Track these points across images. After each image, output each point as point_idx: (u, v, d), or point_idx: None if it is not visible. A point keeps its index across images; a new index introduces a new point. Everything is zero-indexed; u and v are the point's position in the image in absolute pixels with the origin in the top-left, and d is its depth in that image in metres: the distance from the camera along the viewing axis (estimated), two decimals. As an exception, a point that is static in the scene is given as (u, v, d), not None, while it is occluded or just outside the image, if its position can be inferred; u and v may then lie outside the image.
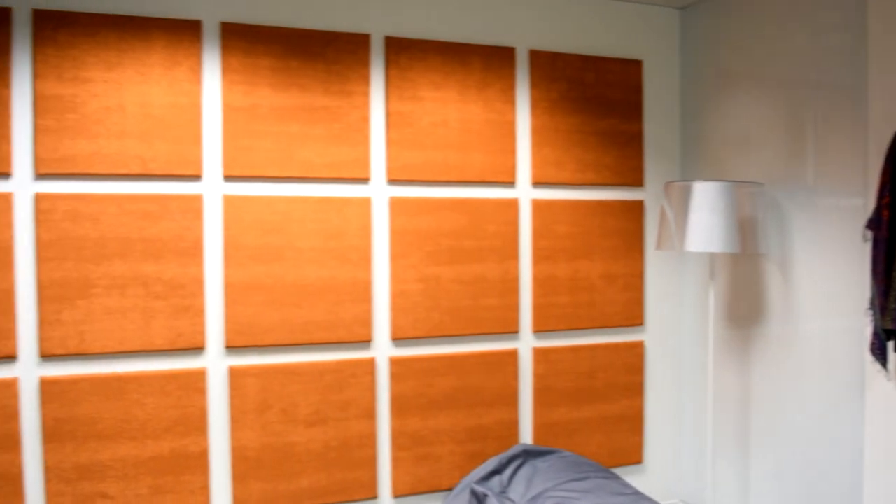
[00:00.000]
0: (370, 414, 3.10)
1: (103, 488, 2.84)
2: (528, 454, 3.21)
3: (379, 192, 3.13)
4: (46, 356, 2.78)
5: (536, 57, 3.37)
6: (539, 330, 3.37)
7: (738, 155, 3.31)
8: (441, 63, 3.20)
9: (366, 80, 3.09)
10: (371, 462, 3.11)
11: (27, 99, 2.75)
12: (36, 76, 2.74)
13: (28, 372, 2.78)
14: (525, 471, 3.15)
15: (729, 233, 2.89)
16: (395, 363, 3.15)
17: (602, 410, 3.49)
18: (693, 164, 3.61)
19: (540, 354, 3.38)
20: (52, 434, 2.79)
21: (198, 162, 2.90)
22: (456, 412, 3.24)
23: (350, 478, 3.09)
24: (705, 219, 2.89)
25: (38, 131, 2.74)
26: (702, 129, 3.54)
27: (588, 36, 3.47)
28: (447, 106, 3.20)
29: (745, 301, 3.28)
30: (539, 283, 3.37)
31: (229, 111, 2.93)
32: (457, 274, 3.22)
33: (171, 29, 2.87)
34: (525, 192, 3.36)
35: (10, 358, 2.76)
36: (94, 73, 2.80)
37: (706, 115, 3.51)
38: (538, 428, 3.39)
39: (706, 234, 2.89)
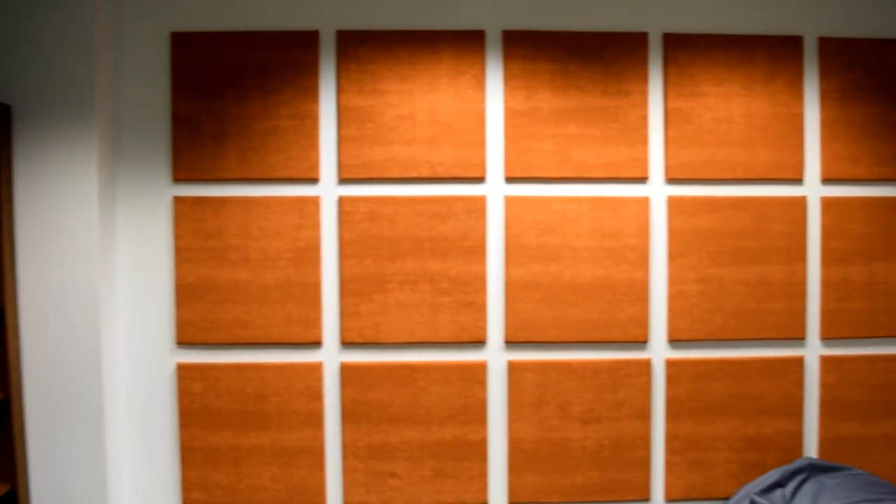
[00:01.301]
0: (644, 415, 3.20)
1: (392, 468, 3.20)
2: (814, 469, 3.15)
3: (657, 192, 3.22)
4: (347, 344, 3.18)
5: (826, 45, 3.27)
6: (828, 337, 3.28)
7: None
8: (723, 57, 3.22)
9: (643, 78, 3.19)
10: (644, 464, 3.22)
11: (332, 111, 3.17)
12: (340, 91, 3.15)
13: (331, 357, 3.20)
14: (810, 486, 3.09)
15: None
16: (672, 365, 3.23)
17: (898, 428, 3.33)
18: None
19: (829, 363, 3.29)
20: (349, 415, 3.19)
21: (481, 165, 3.17)
22: (733, 419, 3.25)
23: (622, 478, 3.21)
24: None
25: (341, 140, 3.15)
26: None
27: (886, 17, 3.31)
28: (730, 101, 3.21)
29: None
30: (829, 287, 3.27)
31: (511, 115, 3.17)
32: (739, 275, 3.23)
33: (456, 40, 3.16)
34: (814, 190, 3.28)
35: (316, 344, 3.20)
36: (390, 86, 3.16)
37: None
38: (824, 442, 3.30)
39: None
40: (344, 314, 3.15)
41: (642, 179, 3.19)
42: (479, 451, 3.19)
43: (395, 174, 3.13)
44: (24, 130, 2.97)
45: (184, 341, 3.19)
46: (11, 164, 3.00)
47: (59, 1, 2.94)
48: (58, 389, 3.02)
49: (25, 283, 2.99)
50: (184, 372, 3.20)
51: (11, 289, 3.00)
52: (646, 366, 3.20)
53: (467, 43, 3.14)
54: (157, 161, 3.18)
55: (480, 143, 3.14)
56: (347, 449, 3.18)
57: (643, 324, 3.18)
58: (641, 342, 3.19)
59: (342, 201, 3.13)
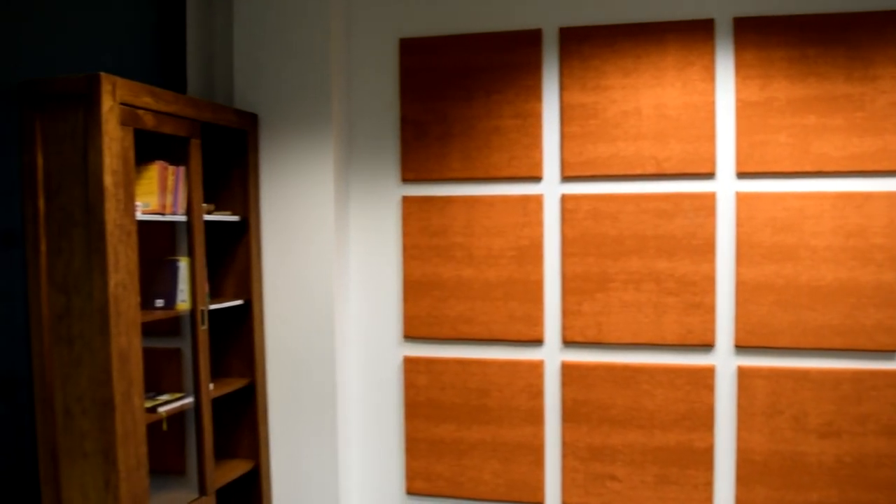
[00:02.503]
0: (892, 431, 3.05)
1: (612, 471, 3.28)
2: None
3: (911, 186, 3.05)
4: (568, 342, 3.30)
5: None
6: None
7: None
8: None
9: (894, 61, 3.04)
10: (891, 485, 3.06)
11: (555, 109, 3.29)
12: (563, 88, 3.27)
13: (552, 356, 3.33)
14: None
15: None
16: (928, 377, 3.05)
17: None
18: None
19: None
20: (570, 414, 3.30)
21: (710, 160, 3.16)
22: None
23: (865, 499, 3.08)
24: None
25: (564, 138, 3.27)
26: None
27: None
28: None
29: None
30: None
31: (743, 107, 3.13)
32: None
33: (683, 30, 3.18)
34: None
35: (538, 342, 3.34)
36: (613, 81, 3.23)
37: None
38: None
39: None
40: (566, 313, 3.27)
41: (892, 172, 3.04)
42: (704, 459, 3.19)
43: (619, 171, 3.20)
44: (269, 136, 3.36)
45: (410, 335, 3.46)
46: (258, 168, 3.40)
47: (299, 20, 3.29)
48: (296, 376, 3.38)
49: (269, 278, 3.38)
50: (410, 365, 3.46)
51: (258, 283, 3.40)
52: (894, 377, 3.06)
53: (694, 33, 3.15)
54: (386, 162, 3.47)
55: (710, 137, 3.14)
56: (567, 448, 3.30)
57: (892, 331, 3.04)
58: (890, 351, 3.05)
59: (565, 199, 3.25)
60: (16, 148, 2.53)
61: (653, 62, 3.15)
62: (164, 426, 2.83)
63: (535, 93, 3.24)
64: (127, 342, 2.52)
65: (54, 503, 2.57)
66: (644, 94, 3.15)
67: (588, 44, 3.19)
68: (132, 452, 2.54)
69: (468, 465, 3.37)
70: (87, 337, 2.49)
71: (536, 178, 3.26)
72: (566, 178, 3.23)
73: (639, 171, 3.16)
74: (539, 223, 3.25)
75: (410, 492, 3.46)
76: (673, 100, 3.13)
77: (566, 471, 3.26)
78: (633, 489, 3.20)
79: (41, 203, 2.52)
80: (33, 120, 2.51)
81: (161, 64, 3.27)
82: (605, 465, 3.22)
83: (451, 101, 3.32)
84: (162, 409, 2.77)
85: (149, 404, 2.77)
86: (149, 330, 2.84)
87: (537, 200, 3.24)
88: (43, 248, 2.53)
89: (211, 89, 3.55)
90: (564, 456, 3.26)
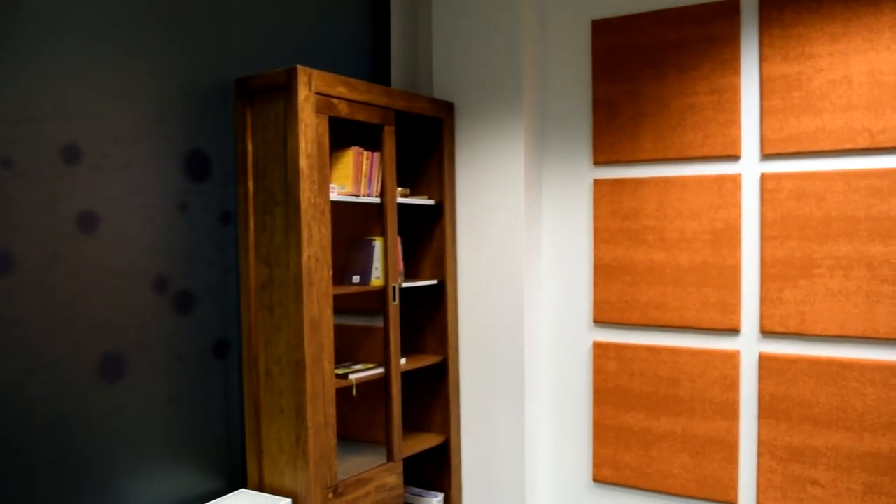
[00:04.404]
0: None
1: (814, 474, 3.17)
2: None
3: None
4: (766, 333, 3.25)
5: None
6: None
7: None
8: None
9: None
10: None
11: (754, 83, 3.26)
12: (763, 60, 3.23)
13: (749, 346, 3.30)
14: None
15: None
16: None
17: None
18: None
19: None
20: (767, 410, 3.24)
21: (935, 131, 2.95)
22: None
23: None
24: None
25: (764, 113, 3.23)
26: None
27: None
28: None
29: None
30: None
31: (977, 69, 2.89)
32: None
33: (906, -13, 3.00)
34: None
35: (733, 331, 3.32)
36: (819, 48, 3.13)
37: None
38: None
39: None
40: (764, 300, 3.24)
41: None
42: (927, 469, 2.99)
43: (826, 146, 3.11)
44: (464, 124, 3.69)
45: (600, 320, 3.61)
46: (454, 154, 3.75)
47: (492, 10, 3.59)
48: (486, 356, 3.68)
49: (463, 260, 3.71)
50: (599, 350, 3.61)
51: (452, 264, 3.74)
52: None
53: (920, -10, 2.97)
54: (579, 146, 3.66)
55: (935, 106, 2.94)
56: (763, 447, 3.25)
57: None
58: None
59: (765, 178, 3.22)
60: (232, 138, 3.09)
61: (865, 24, 3.03)
62: (354, 392, 3.25)
63: (733, 66, 3.25)
64: (318, 311, 2.97)
65: (256, 452, 3.08)
66: (855, 60, 3.05)
67: (790, 10, 3.15)
68: (320, 411, 2.98)
69: (656, 456, 3.45)
70: (285, 304, 2.97)
71: (733, 157, 3.27)
72: (766, 156, 3.21)
73: (849, 146, 3.05)
74: (736, 204, 3.25)
75: (597, 479, 3.61)
76: (889, 65, 2.99)
77: (762, 471, 3.23)
78: (836, 497, 3.09)
79: (251, 185, 3.05)
80: (245, 112, 3.05)
81: (369, 60, 3.76)
82: (805, 467, 3.14)
83: (643, 81, 3.43)
84: (353, 377, 3.20)
85: (341, 371, 3.22)
86: (349, 307, 3.30)
87: (734, 180, 3.25)
88: (251, 225, 3.05)
89: (414, 81, 3.98)
90: (760, 455, 3.23)
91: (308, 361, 2.86)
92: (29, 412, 2.38)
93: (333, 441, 2.99)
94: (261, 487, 3.04)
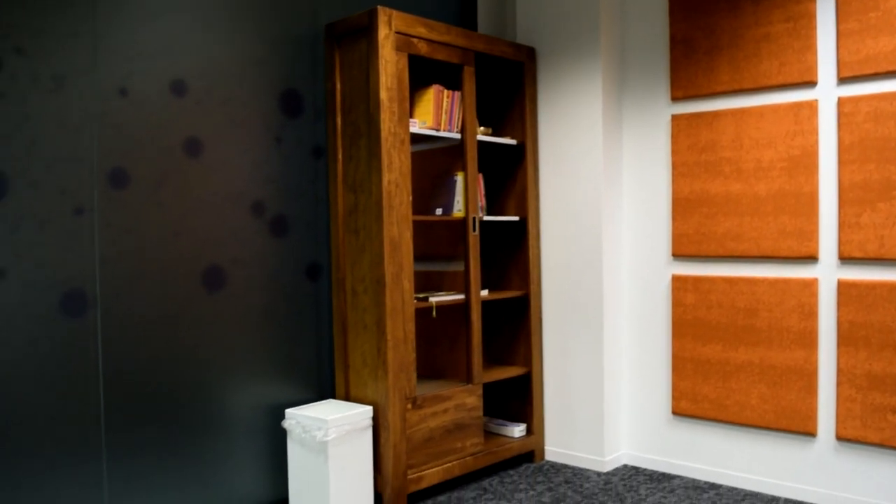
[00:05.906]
0: None
1: (895, 403, 3.13)
2: None
3: None
4: (845, 259, 3.24)
5: None
6: None
7: None
8: None
9: None
10: None
11: (830, 6, 3.25)
12: (841, -18, 3.22)
13: (827, 273, 3.29)
14: None
15: None
16: None
17: None
18: None
19: None
20: (846, 337, 3.23)
21: None
22: None
23: None
24: None
25: (840, 36, 3.22)
26: None
27: None
28: None
29: None
30: None
31: None
32: None
33: None
34: None
35: (811, 258, 3.33)
36: (900, -34, 3.10)
37: None
38: None
39: None
40: (842, 226, 3.23)
41: None
42: None
43: (904, 66, 3.08)
44: (546, 67, 3.87)
45: (678, 253, 3.70)
46: (536, 97, 3.95)
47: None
48: (567, 291, 3.84)
49: (545, 198, 3.90)
50: (678, 283, 3.70)
51: (535, 201, 3.93)
52: None
53: None
54: (657, 82, 3.76)
55: None
56: (843, 375, 3.25)
57: None
58: None
59: (842, 102, 3.22)
60: (322, 78, 3.41)
61: (949, -62, 2.99)
62: (434, 314, 3.51)
63: (810, -8, 3.27)
64: (398, 232, 3.24)
65: (343, 365, 3.39)
66: (936, -25, 3.01)
67: (869, -70, 3.14)
68: (400, 326, 3.24)
69: (734, 387, 3.51)
70: (368, 227, 3.26)
71: (810, 83, 3.29)
72: (843, 80, 3.21)
73: (929, 63, 3.01)
74: (812, 130, 3.27)
75: (676, 412, 3.69)
76: (972, -23, 2.94)
77: (841, 400, 3.23)
78: (918, 422, 3.05)
79: (339, 120, 3.36)
80: (333, 54, 3.36)
81: (456, 5, 4.01)
82: (886, 396, 3.12)
83: (718, 14, 3.50)
84: (433, 300, 3.45)
85: (423, 294, 3.48)
86: (438, 254, 3.57)
87: (811, 106, 3.27)
88: (339, 156, 3.36)
89: (501, 27, 4.22)
90: (839, 384, 3.23)
91: (388, 279, 3.13)
92: (141, 311, 2.77)
93: (412, 356, 3.25)
94: (347, 399, 3.34)
